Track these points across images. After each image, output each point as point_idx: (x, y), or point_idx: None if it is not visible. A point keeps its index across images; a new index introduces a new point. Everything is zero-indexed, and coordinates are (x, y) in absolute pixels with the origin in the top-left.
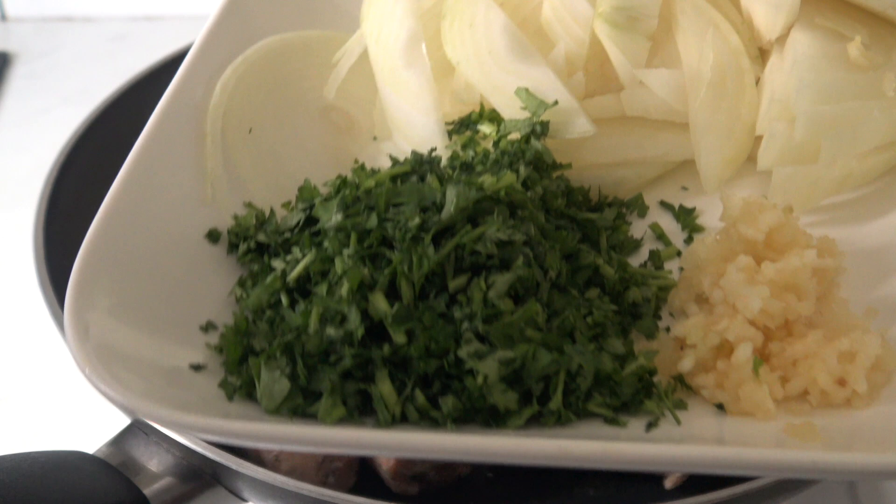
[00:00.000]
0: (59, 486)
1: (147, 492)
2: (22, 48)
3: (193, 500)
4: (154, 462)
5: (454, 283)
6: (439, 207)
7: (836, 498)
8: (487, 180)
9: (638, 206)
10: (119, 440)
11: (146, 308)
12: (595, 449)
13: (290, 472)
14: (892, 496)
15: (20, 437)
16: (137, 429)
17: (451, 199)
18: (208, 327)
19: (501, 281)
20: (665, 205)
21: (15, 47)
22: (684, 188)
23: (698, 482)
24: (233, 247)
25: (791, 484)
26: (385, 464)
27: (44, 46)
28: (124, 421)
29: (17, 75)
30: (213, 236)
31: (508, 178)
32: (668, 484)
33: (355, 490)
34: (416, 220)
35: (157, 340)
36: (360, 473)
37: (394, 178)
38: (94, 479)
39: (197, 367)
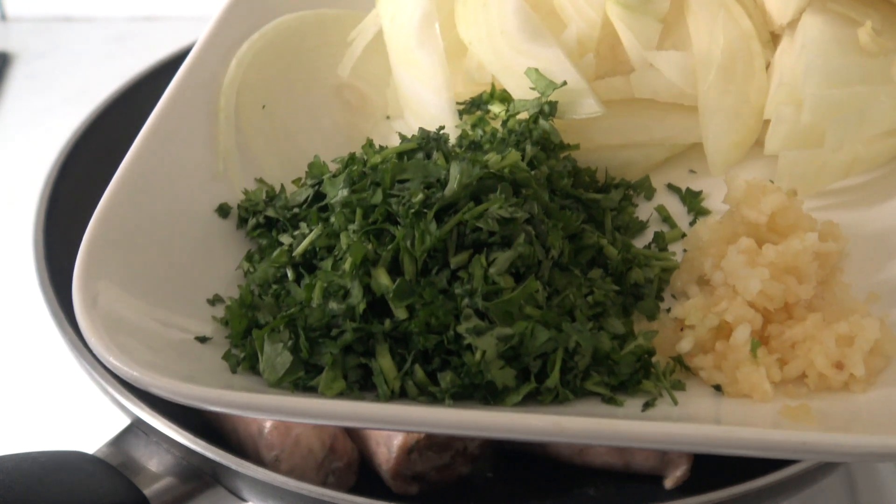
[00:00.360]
0: (59, 486)
1: (147, 492)
2: (22, 48)
3: (193, 500)
4: (154, 462)
5: (456, 260)
6: (443, 184)
7: (836, 498)
8: (492, 158)
9: (645, 188)
10: (119, 440)
11: (155, 279)
12: (590, 425)
13: (290, 472)
14: (892, 496)
15: (20, 437)
16: (137, 429)
17: (455, 175)
18: (215, 300)
19: (502, 258)
20: (672, 187)
21: (15, 47)
22: (692, 171)
23: (698, 482)
24: (242, 221)
25: (791, 483)
26: (385, 464)
27: (44, 46)
28: (124, 421)
29: (17, 75)
30: (223, 211)
31: (513, 156)
32: (669, 484)
33: (355, 490)
34: (420, 196)
35: (164, 312)
36: (360, 473)
37: (400, 155)
38: (94, 479)
39: (202, 339)
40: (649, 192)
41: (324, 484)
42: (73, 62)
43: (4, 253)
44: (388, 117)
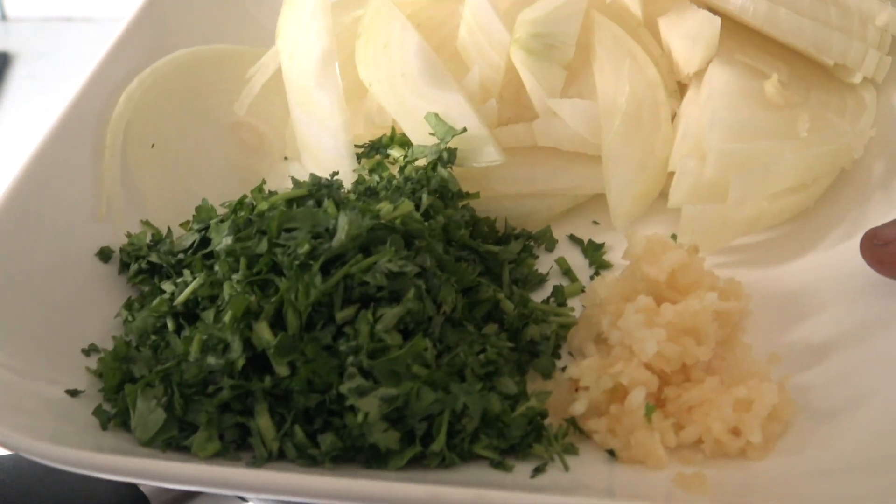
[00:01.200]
0: (59, 486)
1: (147, 491)
2: (22, 48)
3: (193, 500)
4: None
5: (342, 315)
6: (332, 234)
7: None
8: (384, 208)
9: (546, 239)
10: None
11: (25, 327)
12: (469, 497)
13: None
14: None
15: None
16: None
17: (343, 226)
18: (91, 350)
19: (390, 314)
20: (574, 239)
21: (15, 47)
22: (595, 222)
23: None
24: (125, 266)
25: None
26: None
27: (44, 46)
28: None
29: (17, 75)
30: (104, 254)
31: (405, 206)
32: None
33: None
34: (306, 247)
35: (33, 363)
36: None
37: (289, 202)
38: (94, 479)
39: (74, 393)
40: (550, 244)
41: None
42: (73, 62)
43: None
44: (286, 158)
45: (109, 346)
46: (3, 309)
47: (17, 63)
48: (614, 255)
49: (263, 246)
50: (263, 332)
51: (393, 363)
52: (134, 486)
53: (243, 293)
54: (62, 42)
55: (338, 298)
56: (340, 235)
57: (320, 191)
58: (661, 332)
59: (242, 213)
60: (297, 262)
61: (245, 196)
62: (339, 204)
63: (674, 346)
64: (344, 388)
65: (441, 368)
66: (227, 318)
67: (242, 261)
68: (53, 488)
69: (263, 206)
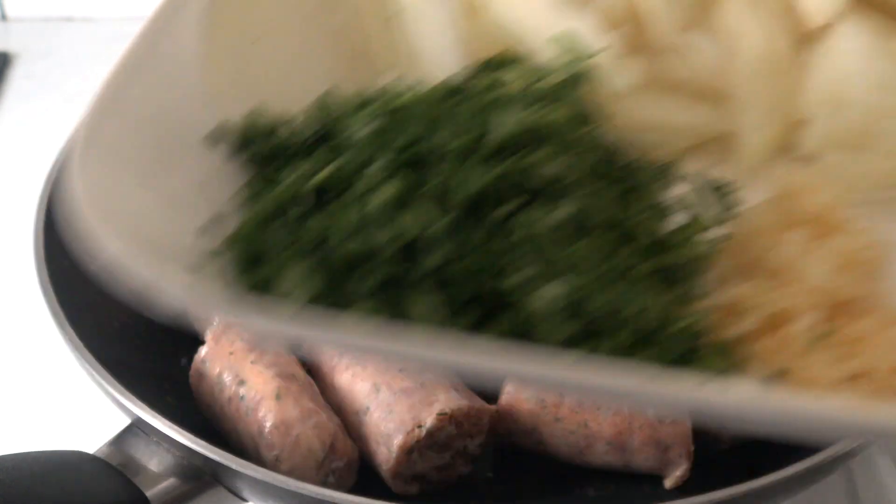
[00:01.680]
0: (60, 486)
1: (147, 492)
2: (22, 48)
3: (194, 500)
4: (154, 462)
5: (506, 207)
6: (483, 134)
7: (836, 498)
8: (541, 111)
9: (669, 173)
10: (119, 440)
11: (146, 207)
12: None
13: (290, 472)
14: (893, 496)
15: (20, 437)
16: (137, 429)
17: (503, 121)
18: (213, 224)
19: (561, 209)
20: (696, 176)
21: (15, 47)
22: (718, 162)
23: (698, 482)
24: (241, 149)
25: (791, 483)
26: (385, 464)
27: (44, 46)
28: (124, 421)
29: (17, 75)
30: (219, 135)
31: (563, 110)
32: (668, 484)
33: (355, 490)
34: (464, 139)
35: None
36: (360, 473)
37: (432, 96)
38: (94, 479)
39: (202, 266)
40: (674, 178)
41: (324, 484)
42: (73, 62)
43: (4, 253)
44: (391, 69)
45: (229, 225)
46: (123, 192)
47: (17, 63)
48: (739, 195)
49: (414, 132)
50: (422, 216)
51: (569, 257)
52: (134, 487)
53: (394, 177)
54: (62, 42)
55: (501, 192)
56: (502, 130)
57: (460, 93)
58: (825, 262)
59: (380, 104)
60: (455, 152)
61: (379, 88)
62: (491, 103)
63: (838, 276)
64: (517, 279)
65: (612, 271)
66: (377, 200)
67: (390, 144)
68: (53, 488)
69: (407, 97)
